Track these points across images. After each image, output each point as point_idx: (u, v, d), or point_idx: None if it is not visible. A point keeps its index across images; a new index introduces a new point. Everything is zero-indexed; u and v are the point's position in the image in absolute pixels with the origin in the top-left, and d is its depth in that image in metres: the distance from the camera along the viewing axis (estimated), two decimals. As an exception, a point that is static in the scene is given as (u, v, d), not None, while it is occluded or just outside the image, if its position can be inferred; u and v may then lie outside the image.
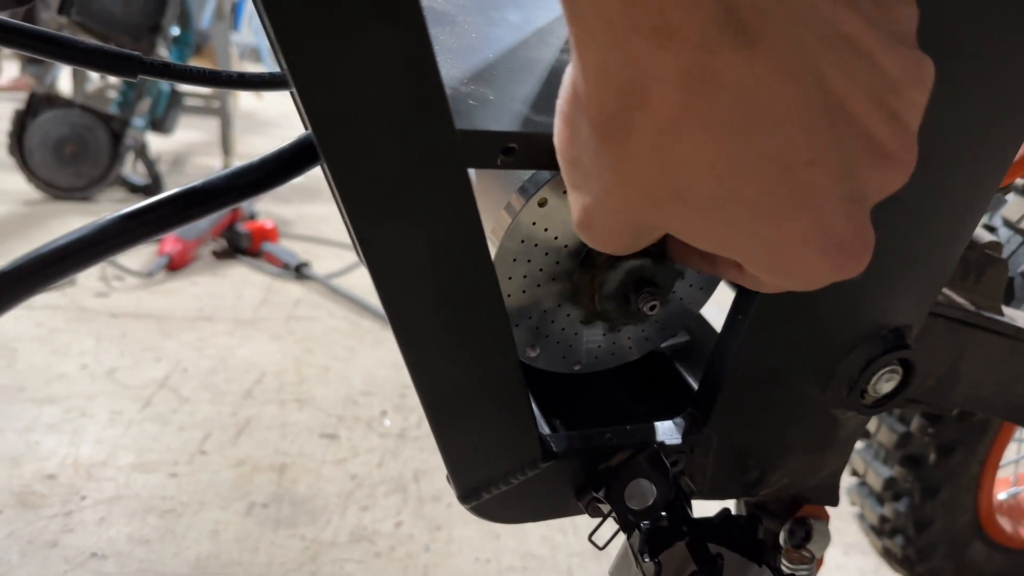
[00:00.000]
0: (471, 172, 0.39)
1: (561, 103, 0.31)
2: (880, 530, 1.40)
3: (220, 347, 2.05)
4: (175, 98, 3.51)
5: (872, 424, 1.34)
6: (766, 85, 0.26)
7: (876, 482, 1.36)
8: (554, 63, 0.46)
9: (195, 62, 4.15)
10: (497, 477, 0.49)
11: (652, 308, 0.49)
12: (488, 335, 0.44)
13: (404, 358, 0.43)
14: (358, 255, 0.44)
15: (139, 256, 2.55)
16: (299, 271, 2.59)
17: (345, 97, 0.33)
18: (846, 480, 1.46)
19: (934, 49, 0.41)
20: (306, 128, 0.40)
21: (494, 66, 0.44)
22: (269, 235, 2.75)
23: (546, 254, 0.48)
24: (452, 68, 0.42)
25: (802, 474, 0.60)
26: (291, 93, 0.41)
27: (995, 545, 1.36)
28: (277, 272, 2.61)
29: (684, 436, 0.53)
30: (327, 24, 0.31)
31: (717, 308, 0.56)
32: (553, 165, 0.35)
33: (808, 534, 0.64)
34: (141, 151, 3.28)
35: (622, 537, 0.51)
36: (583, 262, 0.49)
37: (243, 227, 2.71)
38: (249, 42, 7.16)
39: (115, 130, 3.14)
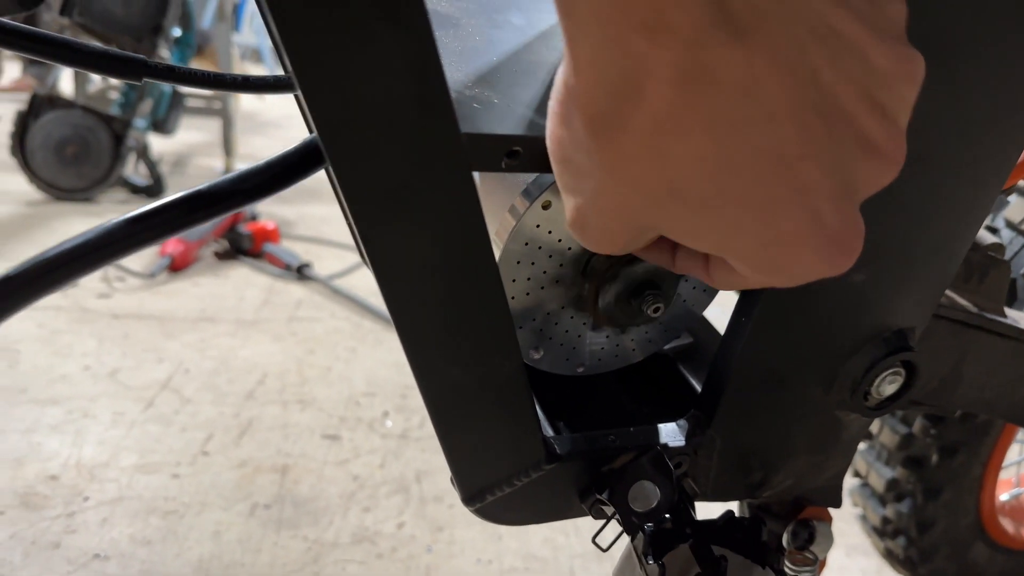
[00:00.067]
0: (475, 174, 0.40)
1: (553, 103, 0.31)
2: (882, 531, 1.40)
3: (222, 348, 2.05)
4: (177, 99, 3.51)
5: (875, 425, 1.34)
6: (759, 80, 0.26)
7: (879, 483, 1.36)
8: (557, 65, 0.46)
9: (196, 63, 4.15)
10: (501, 479, 0.50)
11: (656, 311, 0.49)
12: (492, 337, 0.44)
13: (408, 360, 0.43)
14: (361, 256, 0.44)
15: (141, 257, 2.55)
16: (301, 272, 2.59)
17: (351, 101, 0.33)
18: (849, 481, 1.46)
19: (936, 51, 0.41)
20: (311, 131, 0.40)
21: (498, 69, 0.44)
22: (271, 236, 2.76)
23: (550, 256, 0.48)
24: (456, 71, 0.42)
25: (805, 476, 0.60)
26: (296, 96, 0.41)
27: (997, 546, 1.36)
28: (279, 273, 2.62)
29: (688, 438, 0.53)
30: (332, 28, 0.31)
31: (720, 310, 0.57)
32: (557, 167, 0.35)
33: (811, 536, 0.64)
34: (143, 152, 3.28)
35: (626, 539, 0.51)
36: (586, 265, 0.49)
37: (245, 228, 2.71)
38: (250, 43, 7.17)
39: (117, 131, 3.14)
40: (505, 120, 0.39)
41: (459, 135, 0.36)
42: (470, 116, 0.39)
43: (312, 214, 3.34)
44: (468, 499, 0.50)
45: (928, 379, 0.63)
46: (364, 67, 0.32)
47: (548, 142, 0.33)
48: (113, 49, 0.49)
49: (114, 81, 3.38)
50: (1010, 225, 1.08)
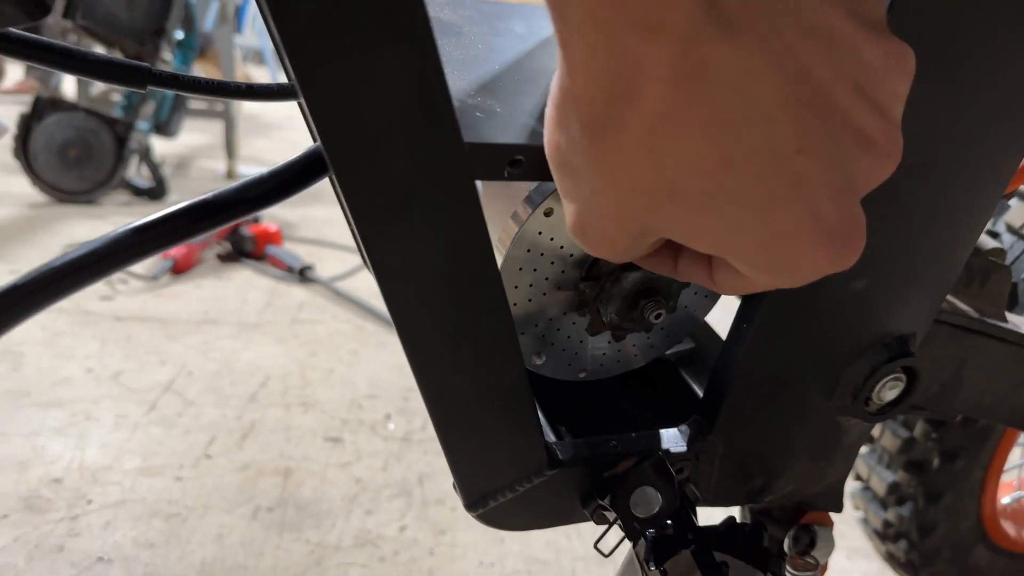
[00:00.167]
0: (477, 181, 0.40)
1: (550, 109, 0.32)
2: (884, 534, 1.40)
3: (225, 350, 2.05)
4: (179, 102, 3.52)
5: (876, 429, 1.35)
6: (752, 77, 0.26)
7: (880, 487, 1.36)
8: (559, 73, 0.47)
9: (199, 65, 4.16)
10: (503, 485, 0.50)
11: (658, 317, 0.49)
12: (494, 343, 0.44)
13: (411, 365, 0.43)
14: (364, 261, 0.44)
15: (143, 260, 2.55)
16: (303, 274, 2.59)
17: (354, 110, 0.33)
18: (850, 485, 1.46)
19: (937, 56, 0.41)
20: (314, 139, 0.40)
21: (500, 78, 0.44)
22: (273, 238, 2.76)
23: (552, 263, 0.48)
24: (459, 80, 0.42)
25: (806, 481, 0.60)
26: (299, 104, 0.41)
27: (998, 550, 1.36)
28: (281, 275, 2.62)
29: (689, 443, 0.54)
30: (336, 38, 0.31)
31: (722, 312, 0.57)
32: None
33: (812, 540, 0.64)
34: (145, 154, 3.29)
35: (627, 544, 0.52)
36: (588, 271, 0.49)
37: (247, 230, 2.72)
38: (253, 44, 7.18)
39: (119, 133, 3.15)
40: (507, 129, 0.39)
41: (462, 144, 0.36)
42: (472, 125, 0.39)
43: (314, 216, 3.35)
44: (470, 505, 0.50)
45: (929, 384, 0.63)
46: (367, 77, 0.33)
47: (547, 148, 0.33)
48: (118, 57, 0.50)
49: (117, 84, 3.38)
50: (1011, 230, 1.08)
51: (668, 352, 0.61)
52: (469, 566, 1.37)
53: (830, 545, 0.64)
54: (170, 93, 3.38)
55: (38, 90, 3.16)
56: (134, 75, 0.49)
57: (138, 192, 3.35)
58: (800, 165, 0.28)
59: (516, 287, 0.48)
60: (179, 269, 2.53)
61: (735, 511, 0.66)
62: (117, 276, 2.44)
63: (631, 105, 0.27)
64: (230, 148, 3.87)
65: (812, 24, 0.26)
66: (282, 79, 0.56)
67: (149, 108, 3.24)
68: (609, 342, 0.54)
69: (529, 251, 0.47)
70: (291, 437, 1.70)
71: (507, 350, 0.44)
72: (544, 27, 0.51)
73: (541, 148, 0.39)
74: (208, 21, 4.07)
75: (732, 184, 0.28)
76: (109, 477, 1.50)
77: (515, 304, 0.49)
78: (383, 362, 2.08)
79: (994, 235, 1.09)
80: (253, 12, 6.86)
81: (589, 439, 0.52)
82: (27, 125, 3.04)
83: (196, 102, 3.94)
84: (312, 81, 0.32)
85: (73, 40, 2.98)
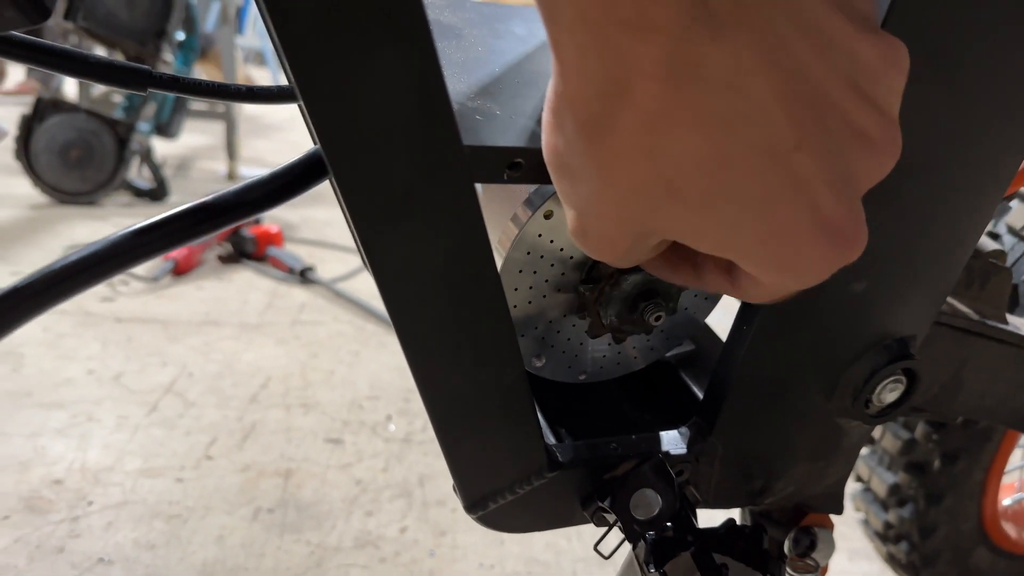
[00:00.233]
0: (477, 184, 0.40)
1: (546, 112, 0.32)
2: (885, 536, 1.40)
3: (226, 352, 2.05)
4: (180, 103, 3.52)
5: (877, 431, 1.35)
6: (745, 75, 0.26)
7: (881, 488, 1.36)
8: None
9: (200, 66, 4.17)
10: (503, 487, 0.50)
11: (657, 319, 0.49)
12: (494, 345, 0.44)
13: (411, 367, 0.43)
14: (364, 263, 0.44)
15: (145, 261, 2.55)
16: (304, 275, 2.59)
17: (354, 113, 0.33)
18: (851, 486, 1.46)
19: (937, 57, 0.41)
20: (314, 142, 0.40)
21: (500, 80, 0.44)
22: (274, 239, 2.76)
23: (552, 265, 0.48)
24: (459, 83, 0.42)
25: (807, 483, 0.60)
26: (299, 106, 0.41)
27: (999, 551, 1.36)
28: (282, 276, 2.62)
29: (689, 445, 0.54)
30: (335, 39, 0.31)
31: (723, 313, 0.57)
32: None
33: (813, 543, 0.64)
34: (146, 155, 3.29)
35: (627, 546, 0.52)
36: (588, 273, 0.49)
37: (248, 232, 2.72)
38: (254, 45, 7.18)
39: (120, 135, 3.15)
40: (507, 132, 0.40)
41: (461, 147, 0.36)
42: (472, 128, 0.39)
43: (315, 218, 3.35)
44: (470, 507, 0.50)
45: (929, 386, 0.63)
46: (366, 79, 0.33)
47: (544, 151, 0.33)
48: (118, 60, 0.50)
49: (118, 85, 3.39)
50: (1012, 231, 1.08)
51: (668, 354, 0.61)
52: (469, 567, 1.37)
53: (830, 547, 0.64)
54: (171, 95, 3.38)
55: (39, 91, 3.16)
56: (134, 77, 0.50)
57: (139, 193, 3.35)
58: (798, 161, 0.28)
59: (516, 289, 0.48)
60: (180, 270, 2.53)
61: (735, 513, 0.66)
62: (118, 278, 2.44)
63: (625, 105, 0.27)
64: (231, 149, 3.87)
65: (804, 21, 0.26)
66: (283, 80, 0.56)
67: (150, 109, 3.24)
68: (609, 344, 0.54)
69: (529, 253, 0.47)
70: (292, 438, 1.70)
71: (507, 352, 0.44)
72: (544, 30, 0.51)
73: (540, 151, 0.39)
74: (209, 22, 4.08)
75: (730, 182, 0.28)
76: (110, 478, 1.50)
77: (515, 306, 0.49)
78: (384, 363, 2.08)
79: (995, 237, 1.09)
80: (254, 13, 6.87)
81: (589, 441, 0.52)
82: (28, 126, 3.04)
83: (197, 103, 3.94)
84: (311, 83, 0.32)
85: (74, 41, 2.98)
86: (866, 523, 1.48)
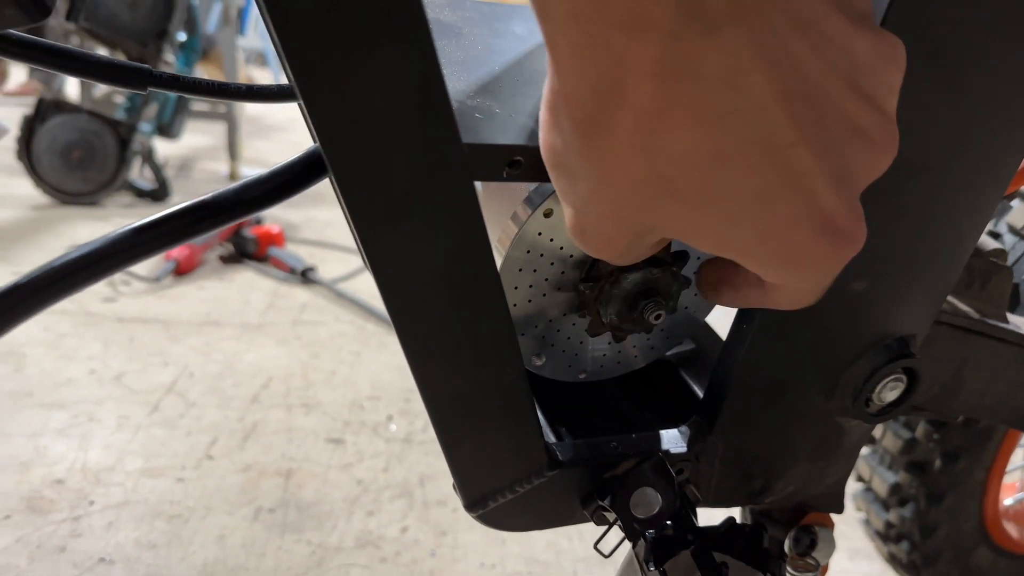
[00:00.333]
0: (477, 182, 0.40)
1: (543, 111, 0.32)
2: (886, 535, 1.40)
3: (227, 352, 2.06)
4: (182, 104, 3.53)
5: (878, 430, 1.34)
6: (742, 72, 0.26)
7: (882, 488, 1.36)
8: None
9: (201, 67, 4.17)
10: (503, 486, 0.50)
11: (657, 318, 0.49)
12: (494, 344, 0.44)
13: (411, 367, 0.43)
14: (364, 263, 0.44)
15: (146, 261, 2.55)
16: (305, 275, 2.60)
17: (353, 112, 0.33)
18: (852, 486, 1.46)
19: (937, 56, 0.41)
20: (314, 141, 0.40)
21: (500, 79, 0.44)
22: (275, 240, 2.76)
23: (551, 264, 0.48)
24: (458, 81, 0.42)
25: (807, 482, 0.60)
26: (299, 105, 0.41)
27: (1001, 551, 1.36)
28: (283, 277, 2.62)
29: (689, 444, 0.53)
30: (335, 38, 0.31)
31: (723, 313, 0.57)
32: (559, 177, 0.36)
33: (813, 542, 0.64)
34: (148, 156, 3.30)
35: (627, 545, 0.52)
36: (588, 272, 0.49)
37: (250, 232, 2.72)
38: (255, 46, 7.18)
39: (122, 135, 3.16)
40: (506, 130, 0.40)
41: (461, 145, 0.36)
42: (472, 126, 0.39)
43: (316, 218, 3.35)
44: (470, 505, 0.50)
45: (930, 385, 0.63)
46: (365, 78, 0.33)
47: (542, 150, 0.33)
48: (119, 59, 0.50)
49: (119, 85, 3.39)
50: (1012, 230, 1.08)
51: (668, 353, 0.61)
52: (470, 567, 1.37)
53: (831, 546, 0.64)
54: (172, 95, 3.39)
55: (41, 92, 3.16)
56: (135, 76, 0.50)
57: (141, 194, 3.36)
58: (796, 157, 0.28)
59: (516, 288, 0.48)
60: (181, 271, 2.53)
61: (735, 512, 0.66)
62: (119, 277, 2.45)
63: (620, 103, 0.27)
64: (232, 150, 3.87)
65: (800, 17, 0.26)
66: (284, 81, 0.56)
67: (152, 110, 3.24)
68: (609, 343, 0.54)
69: (529, 252, 0.47)
70: (293, 438, 1.70)
71: (507, 351, 0.44)
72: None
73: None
74: (211, 23, 4.08)
75: (728, 179, 0.28)
76: (111, 478, 1.50)
77: (515, 305, 0.49)
78: (385, 363, 2.08)
79: (995, 236, 1.09)
80: (256, 14, 6.87)
81: (589, 440, 0.52)
82: (30, 127, 3.05)
83: (199, 104, 3.94)
84: (310, 81, 0.32)
85: (76, 42, 2.98)
86: (867, 523, 1.48)
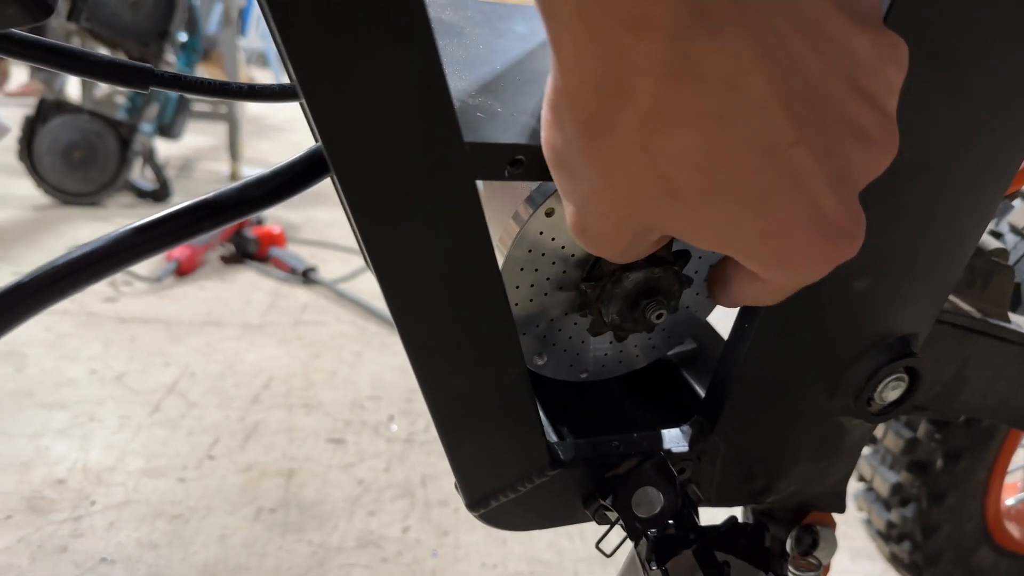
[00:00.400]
0: (478, 181, 0.40)
1: (545, 109, 0.32)
2: (887, 535, 1.40)
3: (228, 352, 2.06)
4: (183, 104, 3.53)
5: (879, 430, 1.34)
6: (744, 72, 0.26)
7: (883, 488, 1.36)
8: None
9: (203, 67, 4.17)
10: (505, 485, 0.50)
11: (659, 317, 0.49)
12: (495, 343, 0.44)
13: (412, 366, 0.43)
14: (366, 262, 0.44)
15: (147, 261, 2.55)
16: (306, 276, 2.60)
17: (355, 111, 0.33)
18: (853, 485, 1.45)
19: (938, 56, 0.41)
20: (316, 140, 0.40)
21: (501, 78, 0.44)
22: (277, 240, 2.76)
23: (553, 263, 0.48)
24: (460, 80, 0.42)
25: (809, 481, 0.60)
26: (301, 104, 0.41)
27: (1003, 551, 1.36)
28: (284, 277, 2.62)
29: (691, 444, 0.53)
30: (337, 37, 0.31)
31: (725, 312, 0.57)
32: (561, 176, 0.36)
33: (815, 541, 0.64)
34: (149, 156, 3.30)
35: (629, 544, 0.52)
36: (590, 271, 0.49)
37: (251, 232, 2.72)
38: (256, 47, 7.19)
39: (123, 136, 3.16)
40: (508, 129, 0.40)
41: (462, 144, 0.36)
42: (473, 125, 0.39)
43: (318, 218, 3.35)
44: (472, 505, 0.50)
45: (931, 385, 0.63)
46: (367, 77, 0.33)
47: (544, 149, 0.33)
48: (120, 58, 0.50)
49: (121, 86, 3.39)
50: (1014, 230, 1.08)
51: (670, 352, 0.61)
52: (472, 567, 1.37)
53: (833, 546, 0.64)
54: (174, 95, 3.40)
55: (43, 92, 3.16)
56: (137, 76, 0.50)
57: (142, 194, 3.36)
58: (796, 157, 0.28)
59: (517, 287, 0.48)
60: (183, 271, 2.53)
61: (737, 511, 0.66)
62: (121, 278, 2.45)
63: (623, 102, 0.27)
64: (234, 150, 3.87)
65: (802, 18, 0.26)
66: (286, 82, 0.56)
67: (153, 110, 3.25)
68: (611, 343, 0.54)
69: (530, 251, 0.47)
70: (294, 438, 1.70)
71: (508, 350, 0.44)
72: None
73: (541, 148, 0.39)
74: (212, 23, 4.09)
75: (729, 178, 0.28)
76: (113, 478, 1.50)
77: (516, 304, 0.49)
78: (386, 364, 2.08)
79: (997, 235, 1.09)
80: (257, 14, 6.87)
81: (591, 439, 0.52)
82: (32, 127, 3.05)
83: (200, 104, 3.94)
84: (312, 80, 0.32)
85: (77, 43, 2.99)
86: (868, 522, 1.48)
